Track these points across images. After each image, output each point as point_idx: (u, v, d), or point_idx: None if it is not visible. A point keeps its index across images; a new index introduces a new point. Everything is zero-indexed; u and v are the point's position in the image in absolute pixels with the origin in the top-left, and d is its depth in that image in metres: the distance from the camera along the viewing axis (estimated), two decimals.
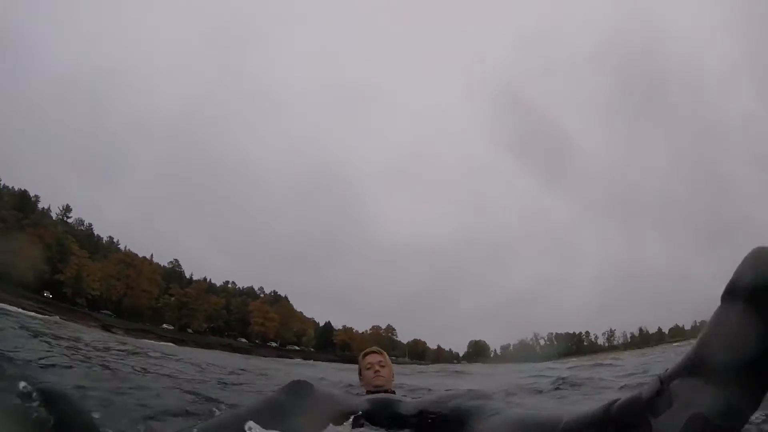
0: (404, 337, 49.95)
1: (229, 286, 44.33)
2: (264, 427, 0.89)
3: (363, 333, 48.14)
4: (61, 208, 37.71)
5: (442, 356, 46.33)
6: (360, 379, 2.13)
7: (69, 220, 38.34)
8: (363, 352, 2.17)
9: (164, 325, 38.24)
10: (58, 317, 22.91)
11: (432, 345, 49.69)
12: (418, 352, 47.25)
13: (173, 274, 41.32)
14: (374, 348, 2.19)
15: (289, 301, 45.56)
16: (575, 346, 46.28)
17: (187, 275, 42.47)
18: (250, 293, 44.88)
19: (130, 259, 39.02)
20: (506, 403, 1.09)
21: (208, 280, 43.25)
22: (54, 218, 37.17)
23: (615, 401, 0.73)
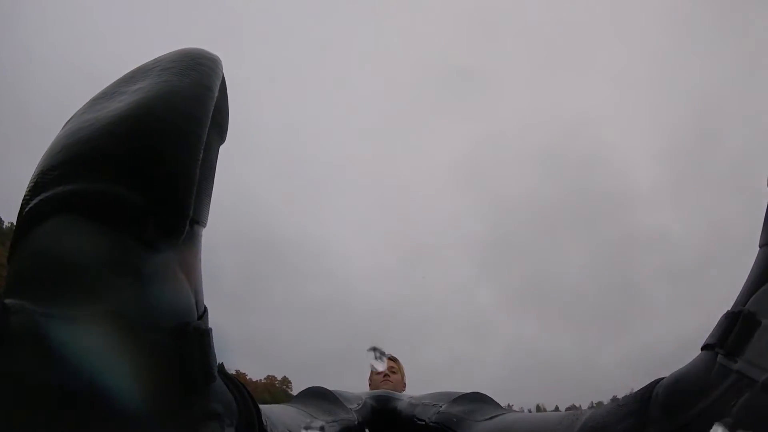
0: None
1: None
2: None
3: (257, 381, 45.53)
4: None
5: None
6: (369, 385, 1.98)
7: None
8: None
9: None
10: None
11: None
12: None
13: None
14: (388, 353, 1.99)
15: None
16: None
17: None
18: None
19: None
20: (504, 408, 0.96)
21: None
22: None
23: (659, 380, 0.58)
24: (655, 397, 0.58)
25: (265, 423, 0.51)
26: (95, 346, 0.31)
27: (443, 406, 0.99)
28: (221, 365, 0.45)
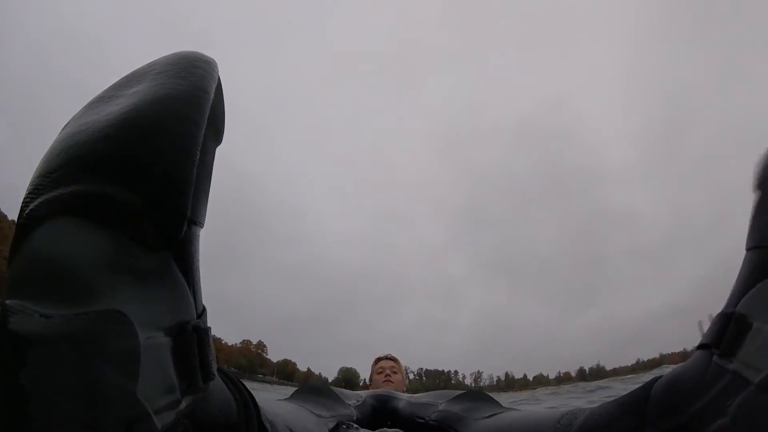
0: (275, 355, 48.34)
1: None
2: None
3: (232, 346, 45.82)
4: None
5: (311, 379, 45.47)
6: (369, 385, 2.05)
7: None
8: (376, 358, 2.09)
9: None
10: None
11: (302, 367, 49.01)
12: (287, 373, 45.78)
13: None
14: (389, 354, 2.10)
15: None
16: (443, 383, 48.62)
17: None
18: None
19: None
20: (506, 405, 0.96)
21: None
22: None
23: (656, 379, 0.58)
24: (653, 397, 0.58)
25: (264, 421, 0.53)
26: (95, 346, 0.31)
27: (442, 405, 1.02)
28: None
